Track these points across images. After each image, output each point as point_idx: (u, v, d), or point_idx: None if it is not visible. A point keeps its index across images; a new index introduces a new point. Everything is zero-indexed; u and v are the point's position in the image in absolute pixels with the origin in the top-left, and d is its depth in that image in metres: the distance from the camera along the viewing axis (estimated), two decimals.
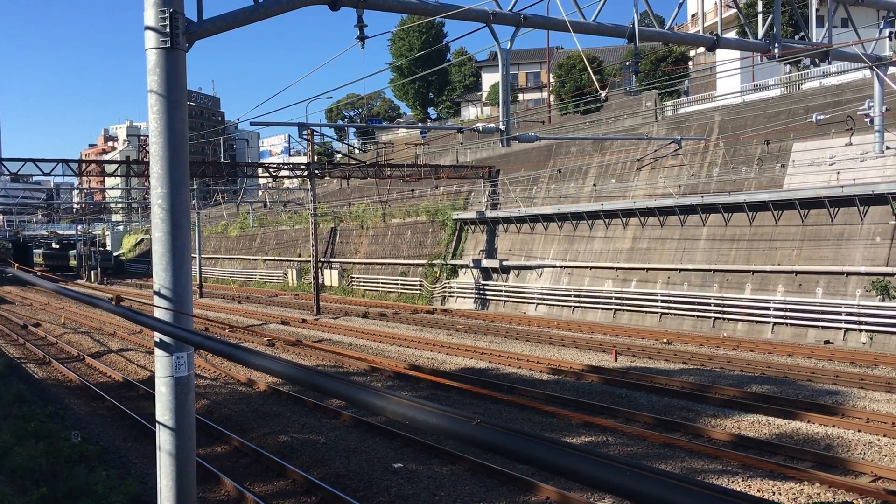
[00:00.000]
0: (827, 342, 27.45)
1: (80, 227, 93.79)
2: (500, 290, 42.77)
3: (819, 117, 29.10)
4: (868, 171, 28.74)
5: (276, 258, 67.85)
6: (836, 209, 28.82)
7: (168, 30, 7.15)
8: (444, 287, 46.67)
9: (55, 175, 42.80)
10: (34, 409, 19.26)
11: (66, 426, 17.71)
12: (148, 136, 7.45)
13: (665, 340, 28.89)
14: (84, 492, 11.87)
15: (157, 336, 7.50)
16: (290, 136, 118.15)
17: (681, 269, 33.83)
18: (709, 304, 31.83)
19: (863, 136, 28.56)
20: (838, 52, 17.05)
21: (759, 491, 12.44)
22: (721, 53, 41.43)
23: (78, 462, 14.24)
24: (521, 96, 76.97)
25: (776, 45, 15.13)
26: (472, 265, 44.63)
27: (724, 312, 31.20)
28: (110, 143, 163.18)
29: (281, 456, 15.02)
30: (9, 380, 23.70)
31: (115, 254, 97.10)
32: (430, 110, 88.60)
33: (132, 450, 16.26)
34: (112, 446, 16.49)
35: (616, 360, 24.60)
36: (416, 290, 48.88)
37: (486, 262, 43.62)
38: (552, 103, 60.48)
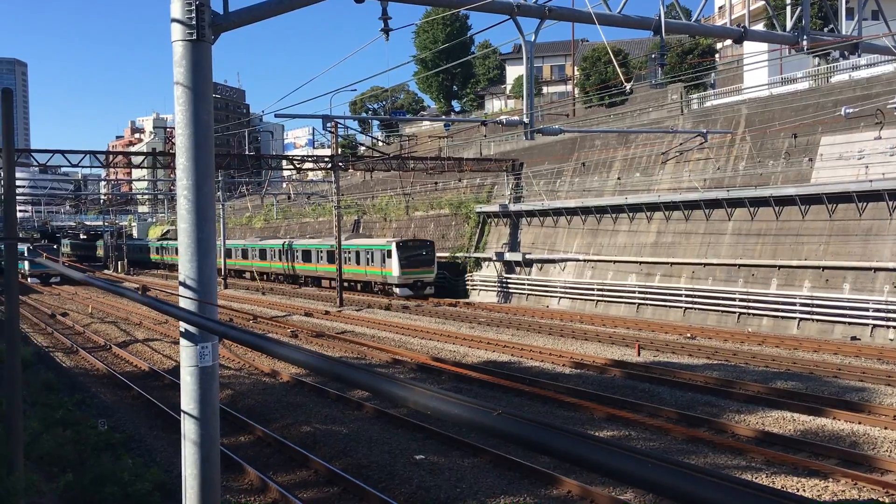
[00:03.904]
0: (854, 338, 27.12)
1: (107, 218, 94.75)
2: (523, 284, 42.69)
3: (848, 111, 28.71)
4: None
5: None
6: (865, 204, 28.43)
7: (194, 22, 7.19)
8: (467, 280, 46.64)
9: (83, 166, 43.26)
10: (62, 397, 19.54)
11: (93, 414, 17.95)
12: (174, 128, 7.51)
13: (689, 335, 28.69)
14: (110, 479, 12.02)
15: (183, 326, 7.57)
16: (314, 128, 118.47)
17: (705, 264, 33.57)
18: (734, 300, 31.56)
19: (892, 129, 28.15)
20: (868, 45, 16.79)
21: (783, 487, 12.33)
22: (748, 46, 40.93)
23: (104, 450, 14.43)
24: (545, 89, 76.57)
25: (805, 37, 14.92)
26: (495, 258, 44.57)
27: (749, 308, 30.93)
28: (137, 135, 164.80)
29: (304, 446, 15.13)
30: (37, 368, 24.06)
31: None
32: (454, 103, 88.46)
33: (157, 438, 16.45)
34: (138, 435, 16.69)
35: (639, 355, 24.47)
36: None
37: (509, 256, 43.54)
38: (577, 96, 60.15)
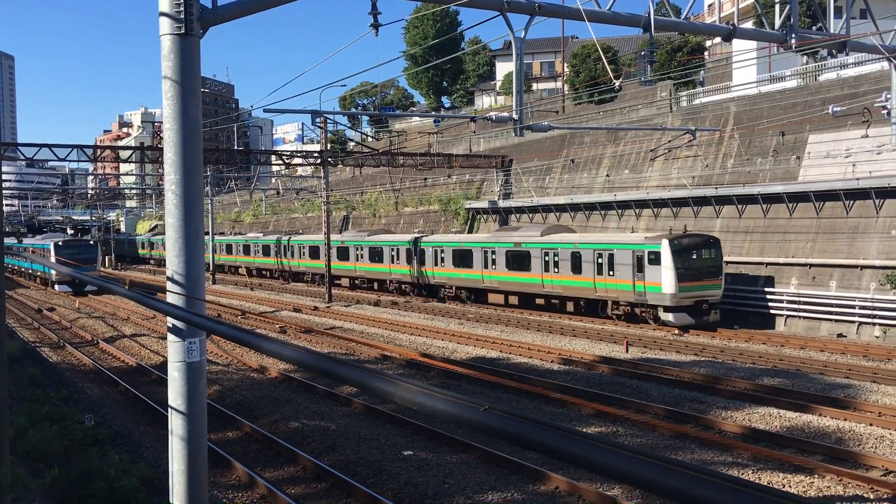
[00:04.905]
0: (840, 335, 27.30)
1: (94, 212, 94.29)
2: None
3: (835, 109, 28.86)
4: (884, 164, 28.49)
5: None
6: (852, 202, 28.60)
7: (182, 16, 7.16)
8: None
9: (70, 161, 43.04)
10: (48, 392, 19.41)
11: (80, 410, 17.85)
12: (162, 122, 7.48)
13: (677, 332, 28.77)
14: (97, 474, 11.96)
15: (170, 321, 7.55)
16: (303, 123, 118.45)
17: None
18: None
19: (879, 128, 28.33)
20: (856, 43, 16.90)
21: (769, 483, 12.40)
22: (737, 44, 41.01)
23: (91, 445, 14.35)
24: (535, 86, 76.62)
25: (793, 35, 15.00)
26: None
27: (736, 304, 31.04)
28: (125, 130, 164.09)
29: (292, 442, 15.10)
30: (23, 363, 23.90)
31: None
32: (444, 99, 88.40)
33: (145, 434, 16.39)
34: (125, 430, 16.63)
35: (627, 351, 24.55)
36: None
37: None
38: (566, 93, 60.23)
